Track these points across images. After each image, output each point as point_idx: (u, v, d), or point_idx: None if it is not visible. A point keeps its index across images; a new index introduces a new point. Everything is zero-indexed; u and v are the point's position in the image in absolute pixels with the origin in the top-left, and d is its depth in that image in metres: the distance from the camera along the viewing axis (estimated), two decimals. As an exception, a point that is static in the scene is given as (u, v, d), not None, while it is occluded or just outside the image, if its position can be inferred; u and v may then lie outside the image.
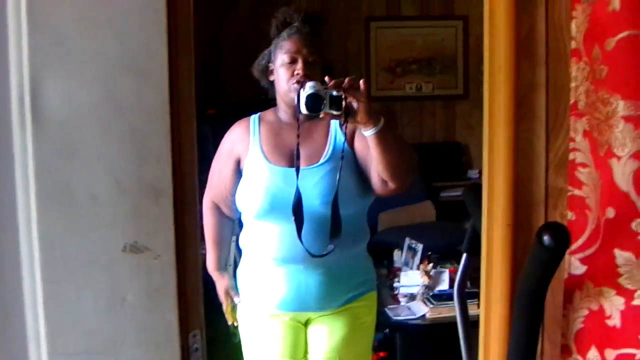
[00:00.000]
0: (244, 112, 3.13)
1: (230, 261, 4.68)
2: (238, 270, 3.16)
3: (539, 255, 1.67)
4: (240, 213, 3.04)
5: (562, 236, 1.64)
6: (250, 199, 2.90)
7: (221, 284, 3.19)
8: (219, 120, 5.99)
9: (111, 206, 1.69)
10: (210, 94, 7.21)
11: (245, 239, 3.04)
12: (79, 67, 1.66)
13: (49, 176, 1.66)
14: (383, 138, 2.64)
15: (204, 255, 3.22)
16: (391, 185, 2.80)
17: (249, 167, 2.93)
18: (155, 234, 1.72)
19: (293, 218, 2.73)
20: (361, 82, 2.56)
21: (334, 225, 2.77)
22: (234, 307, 3.18)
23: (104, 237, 1.70)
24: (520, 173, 1.88)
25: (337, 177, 2.75)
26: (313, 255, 2.76)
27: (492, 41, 1.85)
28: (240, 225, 3.13)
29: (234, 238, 3.42)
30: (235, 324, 3.20)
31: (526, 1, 1.85)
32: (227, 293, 3.17)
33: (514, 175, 1.87)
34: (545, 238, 1.63)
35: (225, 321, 3.24)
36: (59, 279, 1.68)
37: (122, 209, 1.70)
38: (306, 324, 3.06)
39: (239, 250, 3.21)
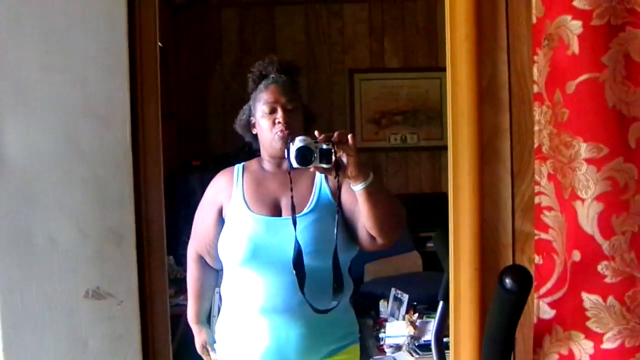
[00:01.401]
0: (228, 164, 3.15)
1: (215, 312, 4.65)
2: (218, 320, 3.13)
3: (502, 299, 1.66)
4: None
5: (524, 279, 1.63)
6: (232, 248, 2.88)
7: (199, 338, 3.19)
8: (204, 171, 6.05)
9: (72, 252, 1.68)
10: (196, 145, 7.24)
11: (225, 289, 3.01)
12: (39, 112, 1.66)
13: (9, 221, 1.65)
14: (372, 193, 2.64)
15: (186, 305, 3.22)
16: (379, 241, 2.79)
17: (231, 216, 2.93)
18: (118, 280, 1.70)
19: (294, 272, 2.71)
20: (349, 136, 2.56)
21: (336, 280, 2.75)
22: None
23: (65, 282, 1.68)
24: (487, 217, 1.89)
25: (335, 230, 2.74)
26: (317, 311, 2.74)
27: (455, 87, 1.86)
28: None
29: (217, 289, 3.40)
30: None
31: (488, 47, 1.87)
32: (204, 347, 3.18)
33: (480, 220, 1.87)
34: (507, 281, 1.62)
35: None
36: (19, 325, 1.67)
37: (83, 254, 1.68)
38: (287, 377, 3.02)
39: (221, 301, 3.18)
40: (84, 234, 1.68)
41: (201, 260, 3.10)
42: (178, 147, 7.13)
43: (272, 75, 2.97)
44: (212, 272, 3.15)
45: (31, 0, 1.67)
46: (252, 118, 2.99)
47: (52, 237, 1.67)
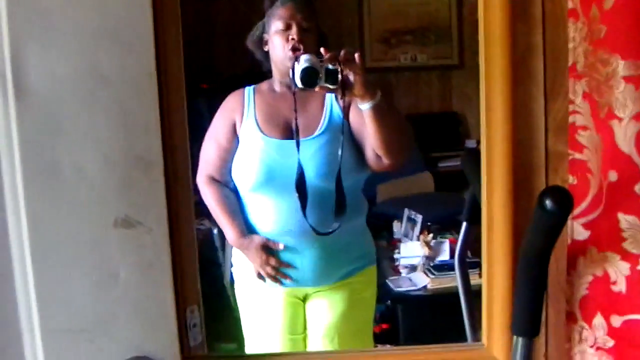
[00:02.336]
0: (237, 86, 3.09)
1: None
2: (234, 248, 3.10)
3: (542, 220, 1.63)
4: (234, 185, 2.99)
5: (565, 200, 1.60)
6: (245, 172, 2.86)
7: (254, 244, 2.94)
8: (213, 94, 5.98)
9: (99, 180, 1.63)
10: (203, 68, 7.15)
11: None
12: (60, 38, 1.59)
13: (34, 152, 1.60)
14: (379, 112, 2.60)
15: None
16: (385, 161, 2.76)
17: (244, 138, 2.90)
18: (146, 208, 1.66)
19: (296, 195, 2.68)
20: (356, 54, 2.51)
21: (338, 202, 2.73)
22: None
23: (93, 212, 1.64)
24: (520, 137, 1.84)
25: (339, 151, 2.70)
26: (318, 233, 2.72)
27: (486, 4, 1.80)
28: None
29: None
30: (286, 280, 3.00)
31: (520, -39, 1.80)
32: (264, 247, 2.93)
33: (512, 140, 1.82)
34: (548, 202, 1.58)
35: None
36: (49, 256, 1.63)
37: (111, 182, 1.63)
38: (304, 299, 3.03)
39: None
40: (110, 161, 1.63)
41: (216, 182, 3.02)
42: (185, 70, 7.03)
43: None
44: (231, 190, 3.05)
45: None
46: (265, 35, 2.93)
47: (79, 167, 1.62)
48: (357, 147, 2.83)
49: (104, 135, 1.63)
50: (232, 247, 3.09)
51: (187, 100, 1.83)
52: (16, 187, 1.62)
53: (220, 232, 4.96)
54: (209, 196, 3.03)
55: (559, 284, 1.85)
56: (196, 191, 3.00)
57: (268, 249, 2.92)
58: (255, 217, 2.91)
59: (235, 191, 3.01)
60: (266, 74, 3.02)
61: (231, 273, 3.21)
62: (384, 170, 2.86)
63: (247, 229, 2.94)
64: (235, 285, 3.12)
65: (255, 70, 3.15)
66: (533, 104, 1.85)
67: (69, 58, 1.61)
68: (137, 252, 1.67)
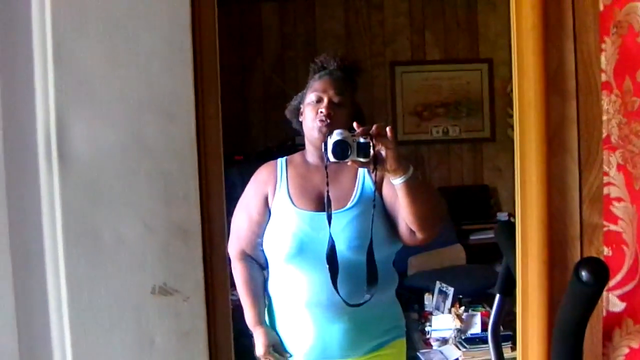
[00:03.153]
0: (271, 158, 3.12)
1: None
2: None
3: (577, 291, 1.62)
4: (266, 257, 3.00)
5: (600, 271, 1.60)
6: (277, 244, 2.86)
7: (266, 339, 2.94)
8: (246, 165, 6.03)
9: (139, 248, 1.66)
10: (237, 140, 7.23)
11: (271, 285, 3.00)
12: (105, 107, 1.64)
13: (75, 219, 1.64)
14: (412, 187, 2.60)
15: (235, 301, 3.15)
16: (419, 235, 2.76)
17: (276, 210, 2.91)
18: (184, 276, 1.68)
19: (327, 267, 2.68)
20: (388, 129, 2.52)
21: (370, 274, 2.72)
22: None
23: (132, 279, 1.66)
24: (554, 209, 1.85)
25: (370, 223, 2.71)
26: (349, 305, 2.71)
27: (522, 77, 1.83)
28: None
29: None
30: None
31: (554, 35, 1.83)
32: (269, 348, 2.93)
33: (547, 212, 1.83)
34: (584, 274, 1.58)
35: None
36: (87, 322, 1.65)
37: (150, 250, 1.66)
38: (332, 372, 3.00)
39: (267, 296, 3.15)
40: (150, 229, 1.66)
41: (247, 258, 3.04)
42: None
43: (330, 68, 2.96)
44: (260, 269, 3.09)
45: (95, -5, 1.66)
46: (302, 105, 2.97)
47: (119, 234, 1.65)
48: (389, 220, 2.83)
49: (144, 203, 1.66)
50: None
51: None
52: (57, 251, 1.65)
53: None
54: (238, 273, 3.04)
55: (595, 356, 1.83)
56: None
57: (272, 348, 2.93)
58: (285, 288, 2.90)
59: (265, 266, 3.02)
60: (299, 147, 3.05)
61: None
62: (417, 244, 2.86)
63: (277, 301, 2.95)
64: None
65: (288, 143, 3.18)
66: (568, 175, 1.86)
67: (112, 127, 1.65)
68: (173, 319, 1.69)
